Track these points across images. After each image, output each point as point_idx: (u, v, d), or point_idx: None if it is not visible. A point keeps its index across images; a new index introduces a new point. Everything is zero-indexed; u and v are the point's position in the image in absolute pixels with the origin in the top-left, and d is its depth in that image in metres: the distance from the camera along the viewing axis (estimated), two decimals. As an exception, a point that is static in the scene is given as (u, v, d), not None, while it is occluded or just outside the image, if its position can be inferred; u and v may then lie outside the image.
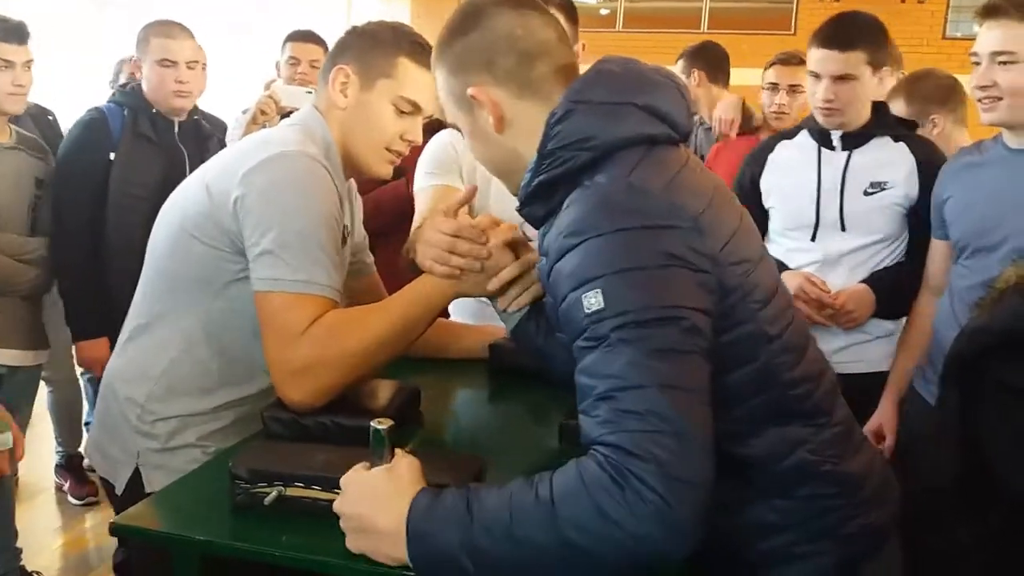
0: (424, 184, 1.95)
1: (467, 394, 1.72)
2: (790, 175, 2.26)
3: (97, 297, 2.58)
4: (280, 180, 1.35)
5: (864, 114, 2.18)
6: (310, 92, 3.00)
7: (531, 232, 1.27)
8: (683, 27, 8.57)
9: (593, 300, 0.94)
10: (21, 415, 2.52)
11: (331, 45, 1.55)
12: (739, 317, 1.04)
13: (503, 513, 0.90)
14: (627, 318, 0.93)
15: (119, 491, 1.47)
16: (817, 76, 2.14)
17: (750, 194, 2.30)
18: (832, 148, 2.20)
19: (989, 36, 1.82)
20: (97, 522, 3.25)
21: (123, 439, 1.47)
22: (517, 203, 1.16)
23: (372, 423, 0.99)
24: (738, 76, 3.58)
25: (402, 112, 1.49)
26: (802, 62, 2.95)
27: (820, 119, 2.19)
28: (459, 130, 1.24)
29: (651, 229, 0.97)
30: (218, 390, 1.46)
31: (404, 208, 2.53)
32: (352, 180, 1.65)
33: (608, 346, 0.93)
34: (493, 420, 1.64)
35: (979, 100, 1.86)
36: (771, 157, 2.33)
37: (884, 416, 2.15)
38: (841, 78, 2.10)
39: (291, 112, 2.93)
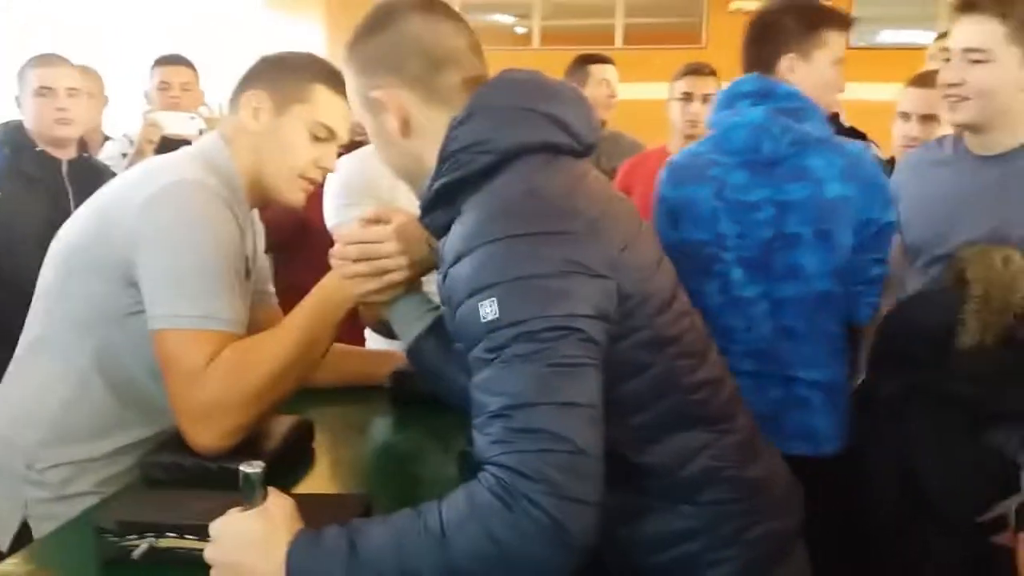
0: (340, 218, 1.90)
1: (366, 425, 1.66)
2: None
3: None
4: (176, 211, 1.30)
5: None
6: (193, 118, 2.94)
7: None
8: (598, 43, 8.67)
9: (489, 309, 0.93)
10: None
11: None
12: (636, 323, 1.03)
13: (389, 548, 0.88)
14: (522, 328, 0.91)
15: (3, 548, 1.37)
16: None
17: None
18: None
19: (961, 32, 1.77)
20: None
21: (8, 488, 1.38)
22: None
23: (241, 467, 0.94)
24: (650, 90, 3.62)
25: (317, 138, 1.45)
26: (713, 72, 3.03)
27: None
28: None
29: (548, 235, 0.96)
30: (113, 433, 1.39)
31: (302, 221, 2.47)
32: (255, 209, 1.59)
33: (503, 361, 0.92)
34: (392, 452, 1.59)
35: (945, 97, 1.82)
36: None
37: None
38: None
39: (177, 140, 2.87)
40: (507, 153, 1.04)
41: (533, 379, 0.90)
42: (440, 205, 1.10)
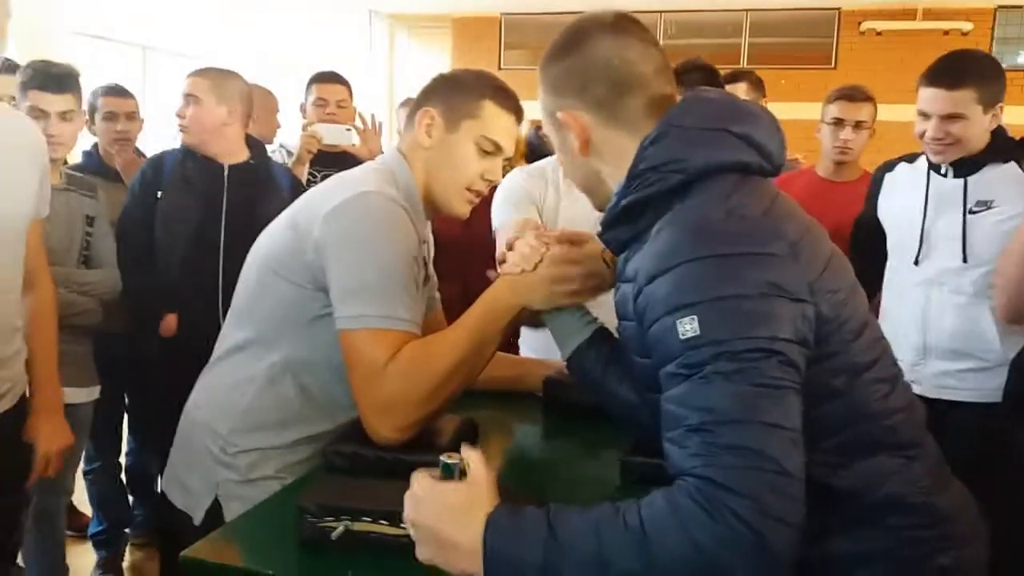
0: (504, 218, 2.00)
1: (522, 429, 1.72)
2: (900, 196, 2.30)
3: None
4: (361, 219, 1.38)
5: (979, 145, 2.16)
6: (349, 129, 3.07)
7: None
8: (723, 63, 8.61)
9: (689, 327, 0.94)
10: (78, 452, 2.56)
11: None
12: (832, 348, 1.03)
13: (589, 538, 0.90)
14: (723, 348, 0.92)
15: (197, 522, 1.49)
16: (926, 115, 2.14)
17: (870, 214, 2.37)
18: (943, 175, 2.20)
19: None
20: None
21: (204, 470, 1.50)
22: (598, 227, 1.17)
23: (441, 457, 0.99)
24: (779, 111, 3.55)
25: (484, 152, 1.52)
26: (870, 98, 2.92)
27: (931, 156, 2.20)
28: None
29: (751, 256, 0.97)
30: (296, 425, 1.49)
31: (434, 233, 2.56)
32: (428, 222, 1.67)
33: (703, 377, 0.93)
34: (549, 456, 1.63)
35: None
36: (888, 177, 2.38)
37: None
38: (950, 117, 2.10)
39: (331, 152, 2.99)
40: (700, 173, 1.05)
41: (736, 397, 0.91)
42: (624, 222, 1.12)
